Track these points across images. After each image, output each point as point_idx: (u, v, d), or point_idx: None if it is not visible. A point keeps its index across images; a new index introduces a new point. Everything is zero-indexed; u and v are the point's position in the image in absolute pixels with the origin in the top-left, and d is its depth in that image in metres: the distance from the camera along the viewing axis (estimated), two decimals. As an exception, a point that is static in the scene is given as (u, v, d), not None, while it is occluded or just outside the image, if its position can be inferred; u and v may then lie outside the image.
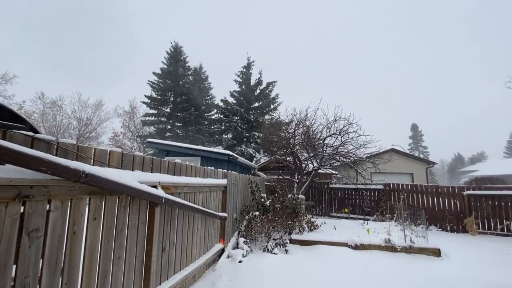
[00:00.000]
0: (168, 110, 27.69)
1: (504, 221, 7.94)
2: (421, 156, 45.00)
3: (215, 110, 26.98)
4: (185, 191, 3.46)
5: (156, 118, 27.05)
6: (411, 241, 5.48)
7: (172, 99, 27.88)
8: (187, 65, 28.76)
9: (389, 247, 5.39)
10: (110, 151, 2.24)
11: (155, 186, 2.73)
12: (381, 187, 9.91)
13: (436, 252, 5.22)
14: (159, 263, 2.90)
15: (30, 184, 1.52)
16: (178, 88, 27.58)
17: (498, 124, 68.17)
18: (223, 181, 4.91)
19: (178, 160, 3.39)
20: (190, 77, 28.98)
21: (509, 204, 7.97)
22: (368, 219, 8.77)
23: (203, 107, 28.43)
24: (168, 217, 3.11)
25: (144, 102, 27.07)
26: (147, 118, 26.98)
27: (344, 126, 9.56)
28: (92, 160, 2.03)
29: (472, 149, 61.42)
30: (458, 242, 6.77)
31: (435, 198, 9.01)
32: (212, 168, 4.55)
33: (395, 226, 6.76)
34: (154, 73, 27.50)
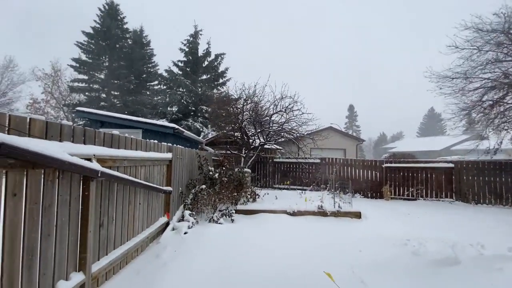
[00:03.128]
0: (102, 76, 24.40)
1: (410, 188, 9.74)
2: (354, 134, 50.56)
3: (159, 80, 24.91)
4: (124, 165, 3.27)
5: (87, 85, 23.66)
6: (339, 206, 6.34)
7: (107, 64, 24.53)
8: (125, 26, 25.30)
9: (321, 213, 6.15)
10: (30, 118, 1.95)
11: (89, 159, 2.52)
12: (318, 161, 10.96)
13: (358, 215, 6.18)
14: (96, 239, 2.77)
15: None
16: (114, 52, 24.28)
17: (415, 107, 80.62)
18: (168, 155, 4.77)
19: (115, 131, 3.14)
20: (128, 40, 25.72)
21: (414, 175, 9.76)
22: (305, 189, 9.70)
23: (144, 75, 25.86)
24: (106, 192, 2.94)
25: (71, 66, 23.22)
26: (76, 84, 23.41)
27: (289, 104, 10.02)
28: (7, 129, 1.75)
29: (393, 129, 71.68)
30: (375, 206, 8.09)
31: (361, 170, 10.44)
32: (156, 141, 4.35)
33: (328, 194, 7.67)
34: (84, 33, 23.45)
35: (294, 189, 10.34)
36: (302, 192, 8.60)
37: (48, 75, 24.25)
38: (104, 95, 24.26)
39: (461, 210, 7.99)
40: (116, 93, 24.69)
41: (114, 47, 24.31)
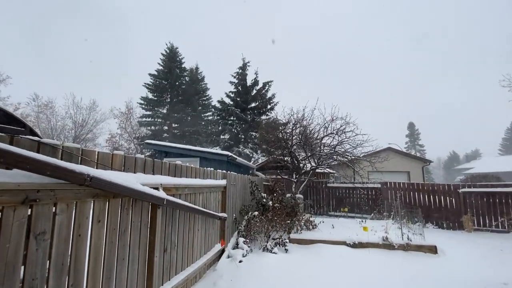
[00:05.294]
0: (164, 111, 27.57)
1: (499, 217, 8.08)
2: (418, 154, 45.38)
3: (212, 111, 26.92)
4: (185, 192, 3.49)
5: (152, 119, 26.94)
6: (408, 238, 5.56)
7: (168, 100, 27.77)
8: (183, 66, 28.66)
9: (387, 245, 5.46)
10: (112, 154, 2.26)
11: (156, 188, 2.76)
12: (378, 185, 10.02)
13: (433, 249, 5.31)
14: (161, 264, 2.93)
15: (37, 188, 1.55)
16: (174, 89, 27.48)
17: (493, 122, 69.31)
18: (223, 182, 4.95)
19: (178, 161, 3.42)
20: (186, 78, 28.87)
21: (504, 200, 8.11)
22: (366, 218, 8.86)
23: (200, 107, 28.38)
24: (169, 218, 3.14)
25: (140, 104, 26.96)
26: (143, 119, 26.86)
27: (341, 126, 9.64)
28: (95, 164, 2.06)
29: (467, 147, 62.24)
30: (455, 239, 6.87)
31: (431, 196, 9.14)
32: (212, 169, 4.58)
33: (393, 224, 6.85)
34: (150, 75, 27.35)
35: (352, 216, 9.55)
36: (362, 221, 7.88)
37: (123, 113, 28.37)
38: (166, 127, 27.16)
39: None
40: (176, 125, 27.45)
41: (174, 84, 27.56)
